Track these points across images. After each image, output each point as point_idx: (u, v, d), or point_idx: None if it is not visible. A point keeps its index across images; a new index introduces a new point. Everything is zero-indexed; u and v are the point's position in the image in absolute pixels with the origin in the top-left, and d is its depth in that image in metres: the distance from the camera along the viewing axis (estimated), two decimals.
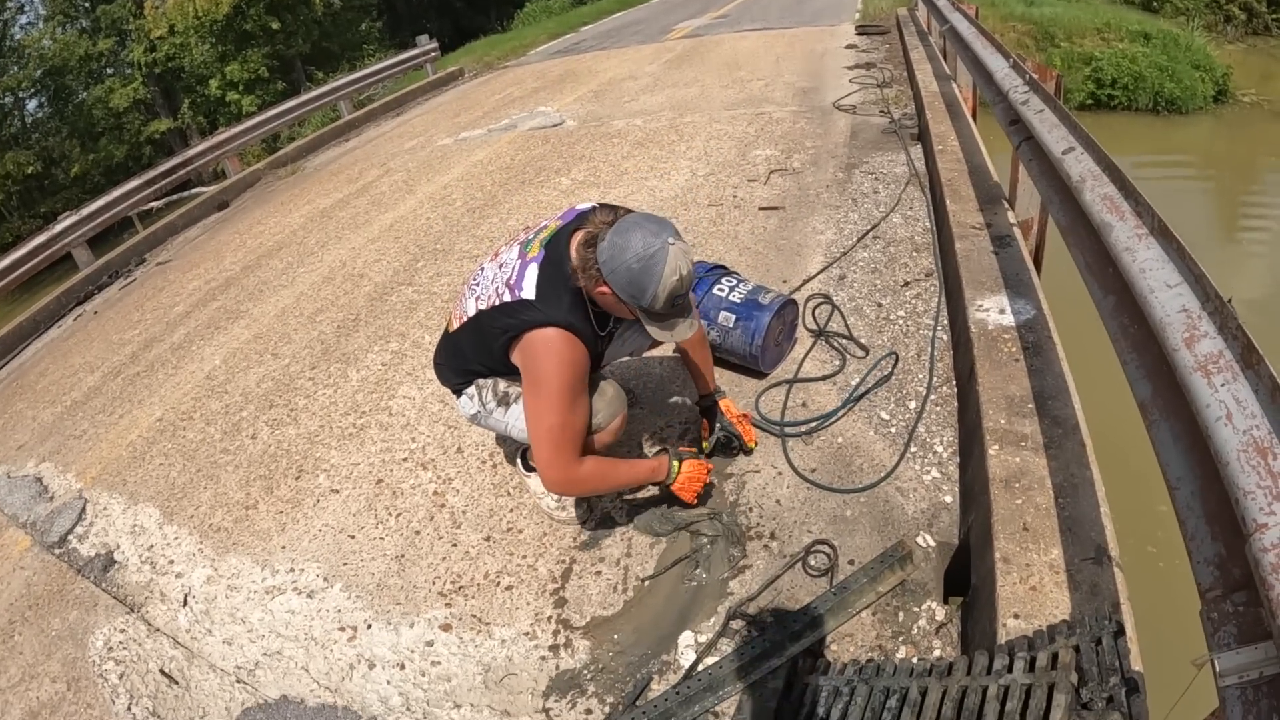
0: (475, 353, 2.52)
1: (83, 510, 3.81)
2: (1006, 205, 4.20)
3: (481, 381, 2.62)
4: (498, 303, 2.36)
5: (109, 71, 27.17)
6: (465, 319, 2.50)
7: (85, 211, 8.74)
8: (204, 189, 10.29)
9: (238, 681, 2.60)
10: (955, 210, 4.14)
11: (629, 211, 2.25)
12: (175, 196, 10.30)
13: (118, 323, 6.56)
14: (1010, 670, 1.71)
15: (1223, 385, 1.58)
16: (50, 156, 26.13)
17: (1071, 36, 14.20)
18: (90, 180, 25.01)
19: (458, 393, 2.70)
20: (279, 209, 8.15)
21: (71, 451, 4.47)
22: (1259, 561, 1.30)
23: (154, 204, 9.76)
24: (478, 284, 2.50)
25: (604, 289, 2.18)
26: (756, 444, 3.01)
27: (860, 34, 10.29)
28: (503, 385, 2.61)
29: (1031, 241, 3.97)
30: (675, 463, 2.60)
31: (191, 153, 9.97)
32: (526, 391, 2.36)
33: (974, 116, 6.05)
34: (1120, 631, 1.65)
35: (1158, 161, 11.01)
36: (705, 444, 2.95)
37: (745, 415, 2.98)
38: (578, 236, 2.29)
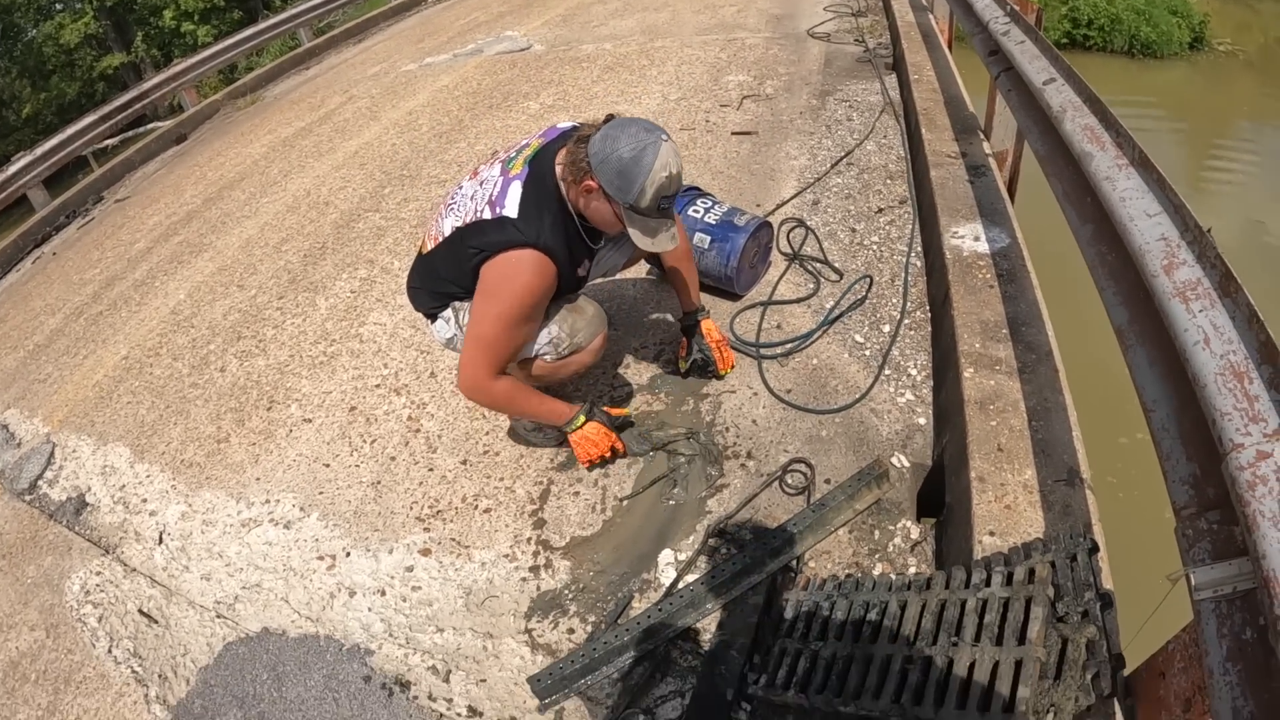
0: (451, 273, 2.48)
1: (51, 454, 3.76)
2: (982, 135, 4.21)
3: (458, 304, 2.57)
4: (477, 219, 2.33)
5: (58, 7, 26.01)
6: (441, 238, 2.46)
7: (39, 151, 8.46)
8: (160, 123, 9.93)
9: (218, 617, 2.61)
10: (931, 139, 4.14)
11: None
12: (131, 133, 9.95)
13: (77, 263, 6.39)
14: (988, 584, 1.76)
15: (1200, 311, 1.62)
16: (0, 98, 25.21)
17: None
18: (43, 120, 24.12)
19: (432, 317, 2.65)
20: (239, 140, 7.94)
21: (37, 396, 4.39)
22: (1235, 479, 1.34)
23: (109, 141, 9.43)
24: (455, 202, 2.46)
25: (591, 183, 2.17)
26: (733, 368, 3.03)
27: None
28: None
29: (1006, 172, 3.99)
30: (581, 416, 2.58)
31: (146, 86, 9.61)
32: (479, 296, 2.33)
33: (949, 48, 6.02)
34: (1094, 549, 1.71)
35: (1129, 103, 11.10)
36: (682, 363, 2.98)
37: (724, 340, 2.97)
38: (565, 148, 2.28)
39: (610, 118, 2.24)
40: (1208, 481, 1.55)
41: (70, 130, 8.85)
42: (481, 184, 2.40)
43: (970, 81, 5.14)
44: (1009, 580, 1.75)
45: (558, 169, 2.28)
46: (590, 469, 2.73)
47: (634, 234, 2.24)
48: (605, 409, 2.69)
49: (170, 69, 10.02)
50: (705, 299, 3.45)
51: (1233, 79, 12.65)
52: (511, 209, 2.26)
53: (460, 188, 2.49)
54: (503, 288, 2.28)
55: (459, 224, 2.38)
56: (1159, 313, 1.74)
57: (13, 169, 8.26)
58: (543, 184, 2.29)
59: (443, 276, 2.50)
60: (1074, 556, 1.71)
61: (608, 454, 2.66)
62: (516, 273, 2.25)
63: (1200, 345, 1.55)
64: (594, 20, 9.11)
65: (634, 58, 7.31)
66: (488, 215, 2.30)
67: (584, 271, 2.53)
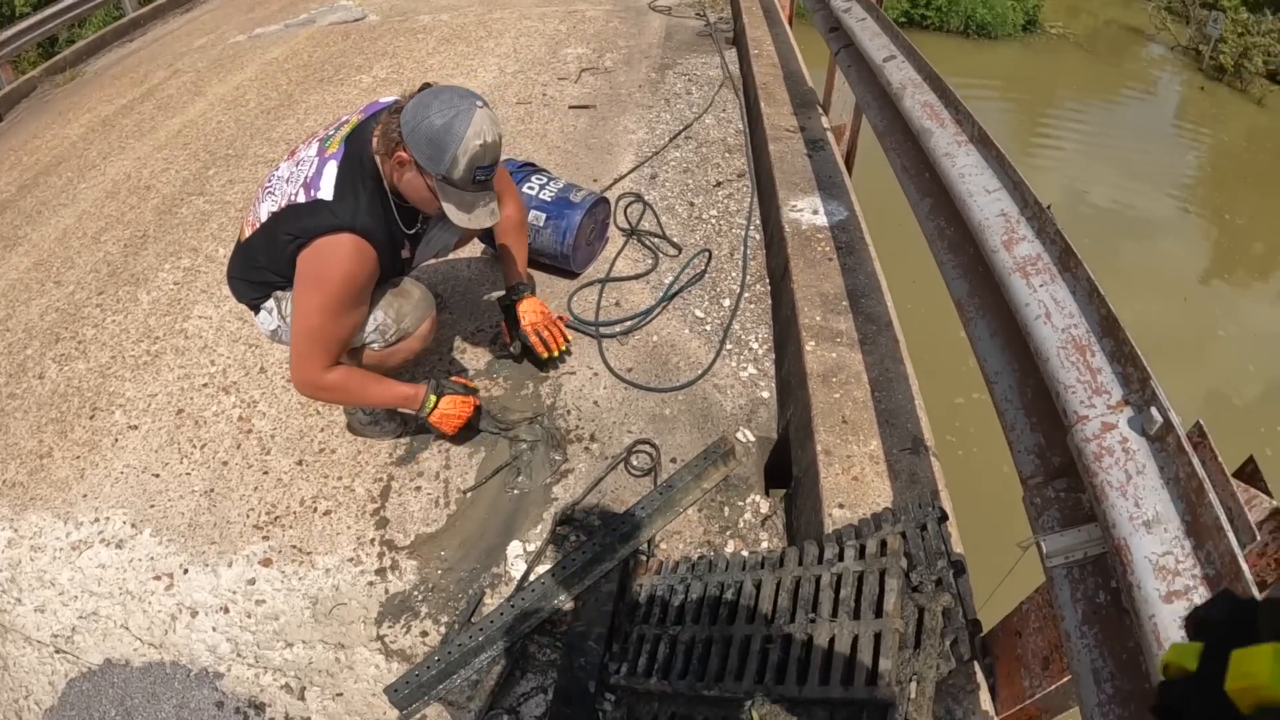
0: (270, 261, 2.29)
1: None
2: (820, 110, 4.26)
3: (280, 294, 2.38)
4: (291, 203, 2.16)
5: None
6: (258, 225, 2.26)
7: None
8: None
9: (56, 651, 2.32)
10: (770, 113, 4.16)
11: None
12: None
13: None
14: (841, 559, 1.76)
15: (1041, 286, 1.64)
16: None
17: None
18: None
19: (255, 308, 2.45)
20: (57, 119, 7.18)
21: None
22: (1081, 451, 1.36)
23: None
24: (272, 186, 2.27)
25: (403, 155, 2.05)
26: (562, 350, 2.85)
27: None
28: None
29: (844, 146, 4.06)
30: (433, 396, 2.45)
31: None
32: (298, 287, 2.18)
33: (790, 24, 6.09)
34: (944, 517, 1.73)
35: (964, 83, 11.69)
36: (512, 347, 2.87)
37: (545, 319, 2.79)
38: (378, 128, 2.13)
39: (425, 86, 2.11)
40: (1052, 451, 1.58)
41: None
42: (298, 165, 2.22)
43: (810, 57, 5.21)
44: (861, 553, 1.74)
45: (374, 137, 2.14)
46: (458, 437, 2.62)
47: (449, 209, 2.12)
48: (454, 379, 2.55)
49: None
50: (542, 278, 3.36)
51: (1062, 59, 13.48)
52: (327, 191, 2.10)
53: (278, 169, 2.30)
54: (321, 276, 2.12)
55: (274, 209, 2.19)
56: (1000, 287, 1.76)
57: None
58: (359, 163, 2.14)
59: (262, 265, 2.31)
60: (924, 525, 1.73)
61: (471, 415, 2.54)
62: (333, 259, 2.10)
63: (1042, 319, 1.57)
64: None
65: (471, 29, 7.07)
66: (302, 199, 2.13)
67: (407, 254, 2.39)
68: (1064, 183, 9.27)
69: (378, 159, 2.15)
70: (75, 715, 2.16)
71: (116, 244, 4.45)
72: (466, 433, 2.64)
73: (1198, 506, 1.17)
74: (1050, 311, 1.58)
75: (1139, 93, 12.78)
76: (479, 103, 2.03)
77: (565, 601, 2.11)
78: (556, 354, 2.80)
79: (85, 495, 2.81)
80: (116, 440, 3.01)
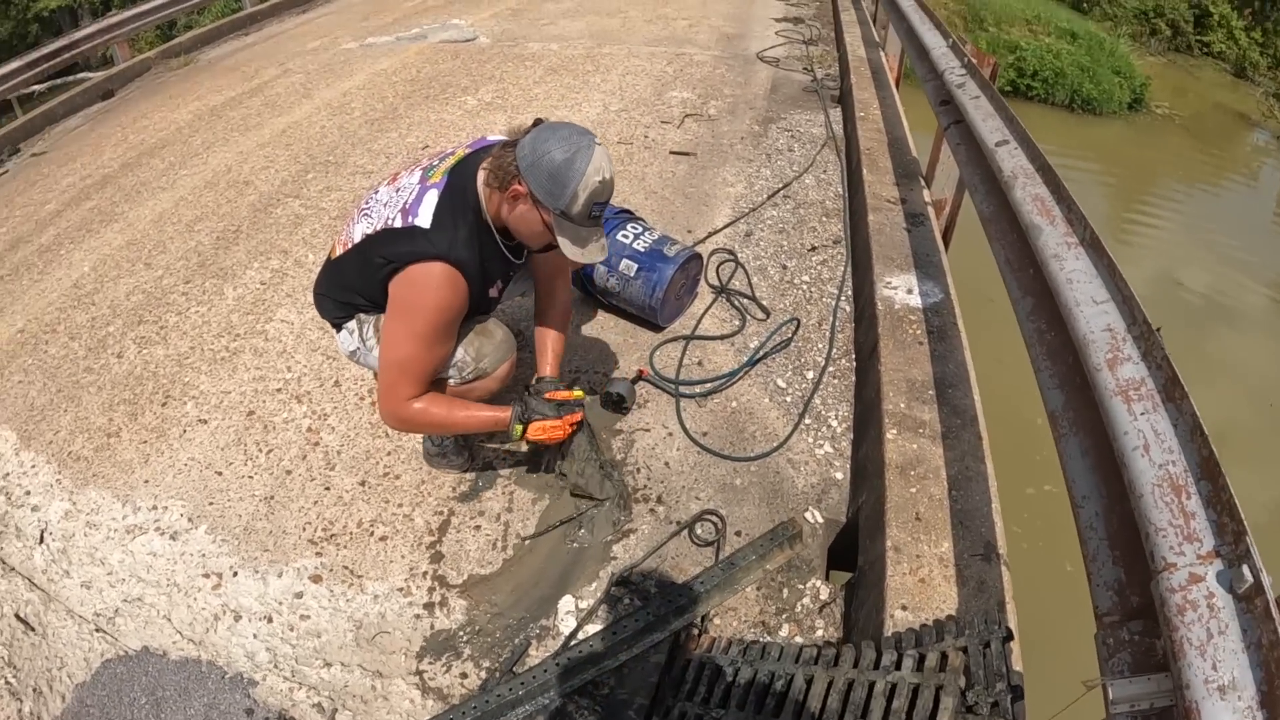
0: (358, 283, 2.33)
1: None
2: (923, 182, 4.20)
3: (363, 316, 2.42)
4: (387, 227, 2.18)
5: None
6: (351, 245, 2.30)
7: None
8: (90, 75, 9.40)
9: (97, 630, 2.38)
10: (872, 181, 4.11)
11: None
12: (60, 81, 9.38)
13: None
14: (899, 667, 1.69)
15: (1142, 414, 1.56)
16: None
17: (1000, 23, 14.55)
18: None
19: (337, 327, 2.49)
20: (166, 103, 7.50)
21: None
22: (1165, 601, 1.29)
23: (35, 87, 8.88)
24: (369, 208, 2.31)
25: (519, 188, 2.05)
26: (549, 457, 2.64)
27: None
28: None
29: (943, 221, 3.98)
30: (518, 426, 2.33)
31: (79, 35, 8.98)
32: (390, 316, 2.20)
33: (897, 85, 6.04)
34: (1009, 637, 1.64)
35: (1064, 153, 11.42)
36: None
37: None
38: (488, 161, 2.15)
39: (539, 122, 2.12)
40: (1133, 589, 1.51)
41: None
42: (398, 191, 2.26)
43: (914, 119, 5.14)
44: (920, 664, 1.67)
45: (480, 179, 2.16)
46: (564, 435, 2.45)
47: (564, 244, 2.12)
48: (547, 396, 2.43)
49: (106, 19, 9.40)
50: (625, 328, 3.37)
51: (1165, 140, 13.13)
52: (425, 219, 2.12)
53: (376, 192, 2.34)
54: (412, 305, 2.13)
55: (369, 231, 2.23)
56: (1098, 406, 1.68)
57: None
58: (462, 195, 2.16)
59: (350, 286, 2.35)
60: (988, 643, 1.65)
61: (569, 430, 2.41)
62: (425, 288, 2.11)
63: (1139, 451, 1.50)
64: (544, 18, 8.94)
65: (579, 62, 7.17)
66: (398, 224, 2.15)
67: (496, 293, 2.39)
68: (1157, 265, 8.97)
69: (482, 193, 2.16)
70: (105, 695, 2.19)
71: (209, 235, 4.59)
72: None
73: (1276, 677, 1.10)
74: (1149, 444, 1.50)
75: (1242, 180, 12.36)
76: (596, 141, 2.05)
77: (610, 666, 2.07)
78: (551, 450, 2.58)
79: (147, 481, 2.88)
80: (185, 431, 3.08)
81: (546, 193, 2.03)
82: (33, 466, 3.05)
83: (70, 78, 9.28)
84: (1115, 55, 13.94)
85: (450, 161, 2.24)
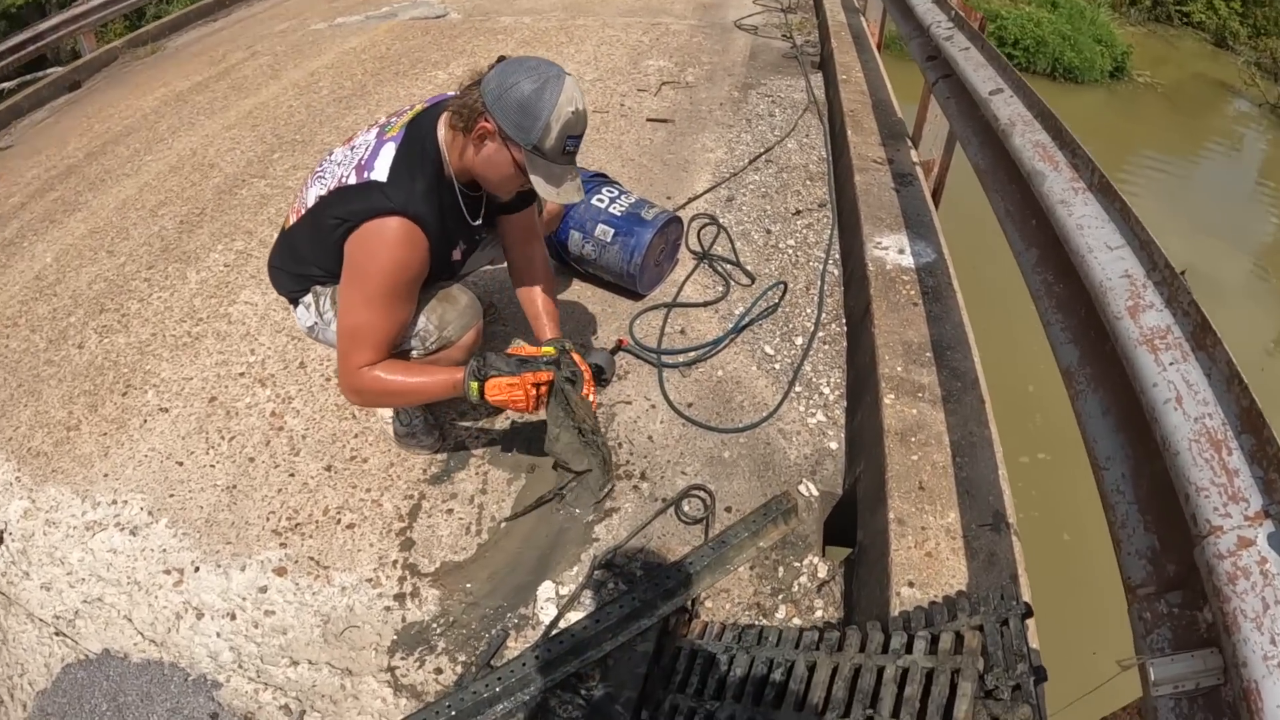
0: (311, 252, 2.16)
1: None
2: (909, 143, 4.04)
3: (319, 288, 2.25)
4: (341, 186, 2.03)
5: None
6: (304, 211, 2.14)
7: None
8: (56, 69, 9.15)
9: (57, 634, 2.22)
10: (857, 142, 3.95)
11: None
12: (29, 76, 9.12)
13: None
14: (910, 650, 1.55)
15: (1171, 364, 1.41)
16: None
17: None
18: None
19: (294, 301, 2.33)
20: (132, 91, 7.28)
21: None
22: (1213, 569, 1.15)
23: (5, 84, 8.63)
24: (323, 170, 2.15)
25: (486, 124, 1.90)
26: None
27: None
28: None
29: (932, 182, 3.83)
30: (473, 383, 2.06)
31: (43, 27, 8.69)
32: (344, 279, 2.04)
33: (879, 50, 5.89)
34: (1028, 613, 1.51)
35: None
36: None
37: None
38: (452, 103, 2.01)
39: (502, 59, 1.98)
40: (1168, 557, 1.36)
41: None
42: (353, 149, 2.11)
43: (899, 89, 4.99)
44: (933, 646, 1.54)
45: (440, 131, 2.01)
46: (537, 409, 2.16)
47: (537, 183, 1.96)
48: (509, 351, 2.19)
49: (71, 10, 9.08)
50: (604, 297, 3.20)
51: (1146, 108, 13.06)
52: (381, 172, 1.96)
53: (330, 154, 2.19)
54: (369, 265, 1.97)
55: (322, 193, 2.07)
56: (1120, 359, 1.53)
57: None
58: (420, 146, 2.01)
59: (303, 257, 2.19)
60: (1005, 621, 1.51)
61: (533, 392, 2.09)
62: (381, 245, 1.95)
63: (1172, 404, 1.35)
64: None
65: (553, 34, 6.99)
66: (353, 180, 2.00)
67: (459, 255, 2.23)
68: None
69: (444, 145, 2.02)
70: (67, 702, 2.05)
71: (173, 219, 4.42)
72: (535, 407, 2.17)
73: None
74: (1182, 395, 1.35)
75: (1223, 149, 12.29)
76: (567, 71, 1.92)
77: (595, 656, 1.91)
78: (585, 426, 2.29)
79: (106, 475, 2.72)
80: (145, 421, 2.92)
81: (516, 126, 1.88)
82: None
83: (40, 73, 9.03)
84: (1096, 24, 13.81)
85: (408, 116, 2.10)
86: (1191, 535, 1.22)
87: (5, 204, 5.28)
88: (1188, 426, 1.31)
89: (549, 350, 2.19)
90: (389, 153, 1.99)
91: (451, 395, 2.13)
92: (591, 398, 2.20)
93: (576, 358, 2.20)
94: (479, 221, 2.23)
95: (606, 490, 2.37)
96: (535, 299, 2.42)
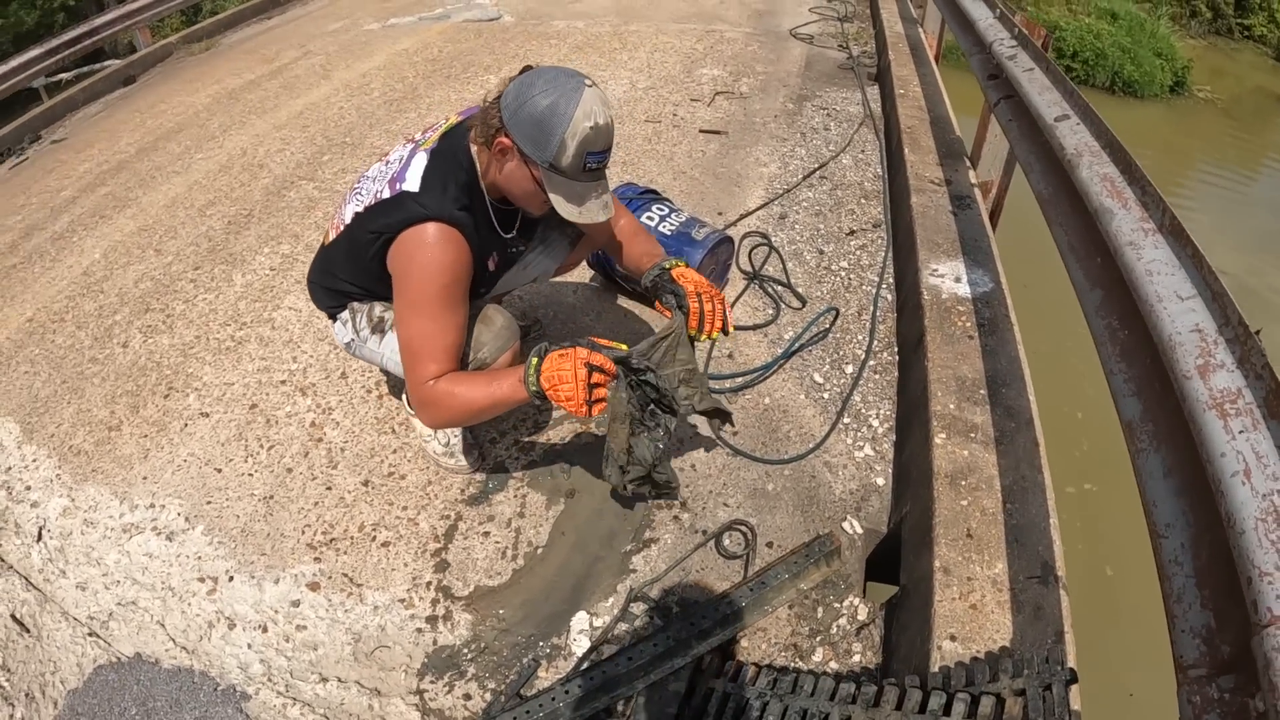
0: (348, 269, 2.17)
1: None
2: (968, 162, 3.94)
3: (356, 305, 2.26)
4: (376, 201, 2.02)
5: None
6: (342, 227, 2.14)
7: None
8: (115, 62, 9.34)
9: (90, 634, 2.25)
10: (914, 160, 3.86)
11: None
12: (87, 68, 9.31)
13: (2, 206, 5.86)
14: (948, 713, 1.49)
15: (1241, 433, 1.33)
16: None
17: (1039, 1, 14.17)
18: None
19: (332, 317, 2.34)
20: (185, 87, 7.39)
21: None
22: (1270, 662, 1.07)
23: (63, 75, 8.81)
24: (360, 187, 2.14)
25: (504, 141, 1.86)
26: (714, 339, 2.49)
27: None
28: (378, 310, 2.25)
29: (989, 204, 3.73)
30: (534, 359, 1.88)
31: (99, 21, 8.87)
32: (395, 295, 2.02)
33: (937, 62, 5.77)
34: (1073, 679, 1.44)
35: None
36: (671, 323, 2.11)
37: (709, 287, 2.16)
38: (475, 117, 1.98)
39: (527, 68, 1.92)
40: (1224, 637, 1.28)
41: (12, 63, 8.13)
42: (387, 164, 2.10)
43: (957, 101, 4.89)
44: (973, 708, 1.48)
45: (471, 139, 1.98)
46: (590, 413, 1.90)
47: (557, 201, 1.91)
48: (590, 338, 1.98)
49: (126, 5, 9.26)
50: (650, 316, 3.15)
51: (1207, 123, 12.77)
52: (413, 183, 1.94)
53: (368, 171, 2.18)
54: (412, 272, 1.94)
55: (359, 209, 2.06)
56: (1187, 420, 1.45)
57: None
58: (453, 157, 1.98)
59: (341, 273, 2.19)
60: (1049, 686, 1.44)
61: (583, 372, 1.85)
62: (422, 250, 1.92)
63: (1239, 477, 1.26)
64: None
65: (606, 39, 6.96)
66: (386, 194, 1.99)
67: (494, 265, 2.19)
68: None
69: (474, 152, 1.99)
70: (97, 704, 2.07)
71: (221, 220, 4.46)
72: (616, 418, 1.96)
73: None
74: (1251, 469, 1.27)
75: None
76: (587, 82, 1.83)
77: (625, 694, 1.87)
78: (714, 336, 2.16)
79: (145, 478, 2.74)
80: (186, 425, 2.94)
81: (532, 143, 1.83)
82: (34, 461, 2.92)
83: (96, 66, 9.21)
84: (1156, 37, 13.55)
85: (443, 128, 2.08)
86: (1251, 622, 1.15)
87: (57, 197, 5.38)
88: (1255, 504, 1.23)
89: (622, 346, 1.97)
90: (421, 163, 1.97)
91: (520, 396, 1.92)
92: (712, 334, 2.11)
93: (679, 275, 2.13)
94: (511, 234, 2.20)
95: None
96: (634, 253, 2.35)
